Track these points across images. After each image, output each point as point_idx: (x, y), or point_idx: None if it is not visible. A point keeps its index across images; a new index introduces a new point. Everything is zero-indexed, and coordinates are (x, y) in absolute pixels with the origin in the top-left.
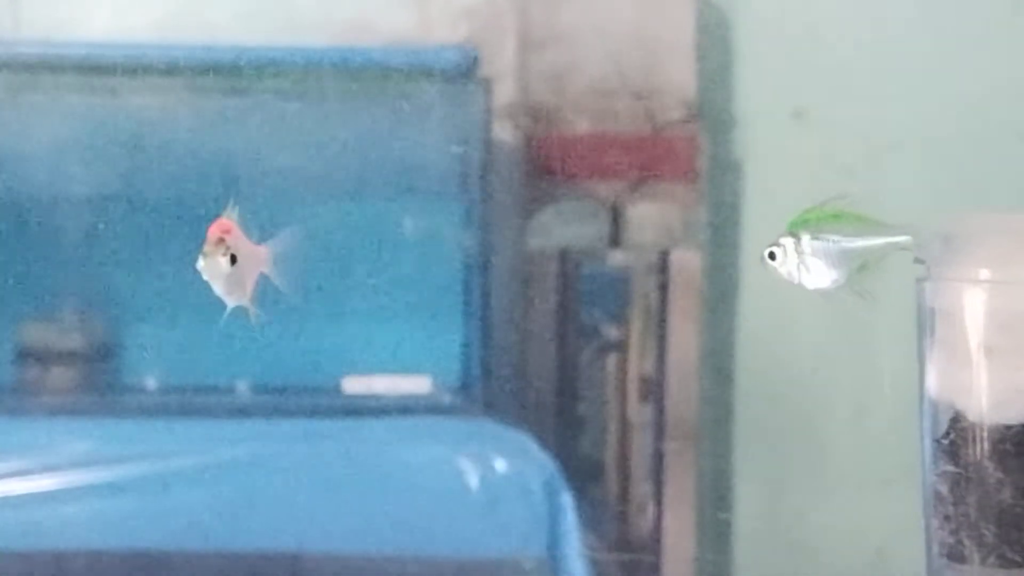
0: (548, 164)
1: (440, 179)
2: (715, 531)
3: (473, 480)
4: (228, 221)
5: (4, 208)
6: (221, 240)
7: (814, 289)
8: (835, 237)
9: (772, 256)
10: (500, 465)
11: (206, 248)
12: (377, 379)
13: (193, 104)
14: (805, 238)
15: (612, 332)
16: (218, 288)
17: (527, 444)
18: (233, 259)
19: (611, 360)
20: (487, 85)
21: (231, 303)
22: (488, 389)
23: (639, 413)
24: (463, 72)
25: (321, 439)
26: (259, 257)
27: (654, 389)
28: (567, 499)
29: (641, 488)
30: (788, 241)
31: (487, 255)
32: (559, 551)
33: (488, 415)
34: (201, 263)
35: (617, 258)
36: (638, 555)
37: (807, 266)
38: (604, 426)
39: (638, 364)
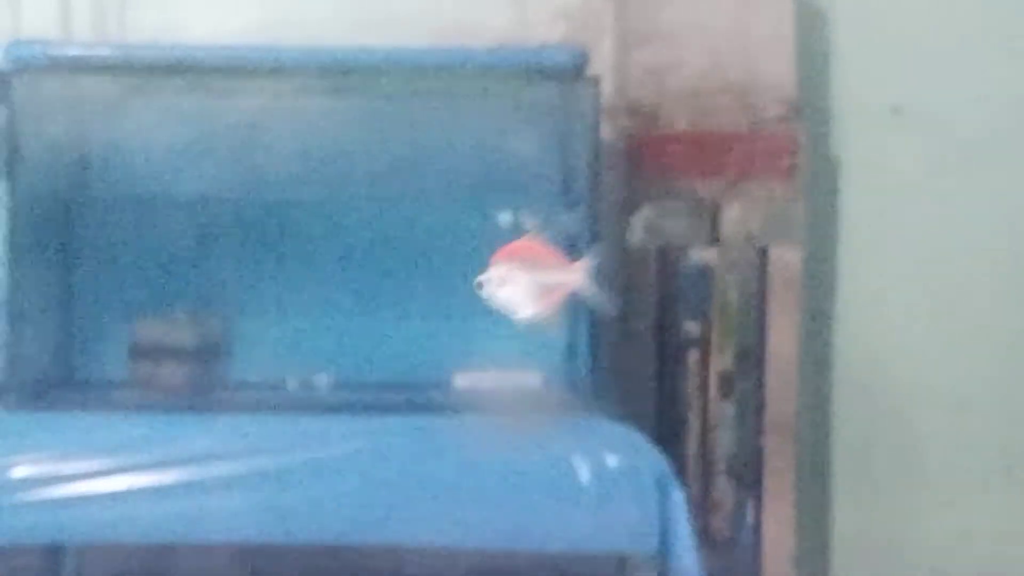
0: (647, 162)
1: (549, 177)
2: (814, 526)
3: (586, 476)
4: (531, 241)
5: (118, 209)
6: (511, 256)
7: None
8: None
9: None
10: (612, 461)
11: (498, 261)
12: (488, 375)
13: (301, 105)
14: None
15: (710, 328)
16: (506, 301)
17: (638, 440)
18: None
19: (709, 356)
20: (596, 84)
21: (523, 315)
22: (595, 385)
23: (738, 408)
24: (573, 71)
25: (433, 435)
26: (570, 273)
27: (754, 385)
28: (678, 495)
29: (741, 483)
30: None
31: (605, 250)
32: (670, 546)
33: (598, 411)
34: (490, 275)
35: (716, 255)
36: (738, 550)
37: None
38: (703, 421)
39: (736, 360)
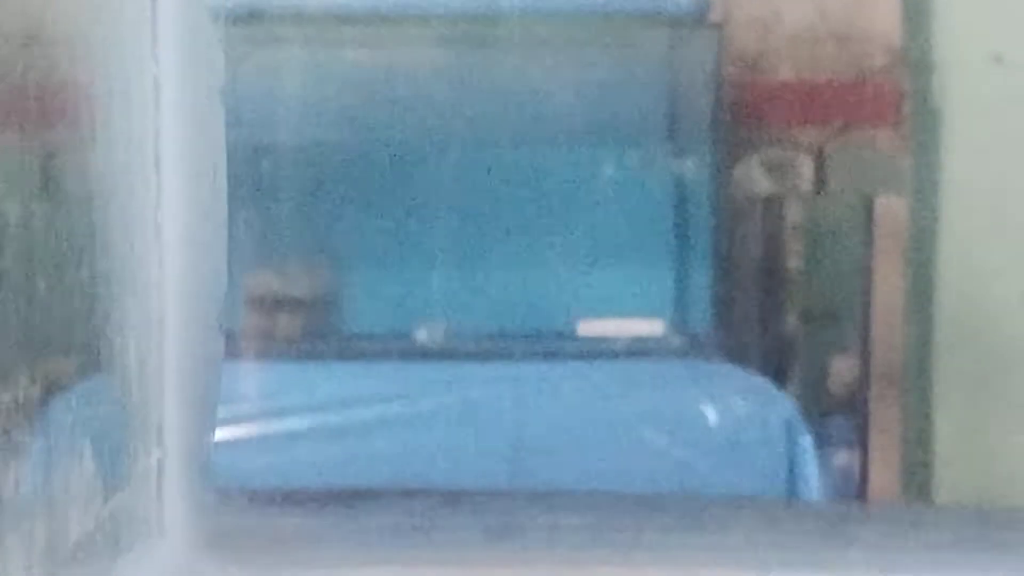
0: (752, 112)
1: (667, 126)
2: (919, 474)
3: (715, 421)
4: None
5: (232, 158)
6: None
7: None
8: None
9: None
10: (741, 406)
11: None
12: (611, 322)
13: (415, 53)
14: None
15: (818, 278)
16: None
17: (766, 386)
18: None
19: (817, 304)
20: (718, 30)
21: None
22: (717, 332)
23: (844, 357)
24: (695, 18)
25: (560, 381)
26: None
27: (860, 333)
28: (807, 441)
29: (848, 431)
30: None
31: (713, 200)
32: (798, 492)
33: (720, 357)
34: None
35: (822, 204)
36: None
37: None
38: (816, 370)
39: (842, 308)
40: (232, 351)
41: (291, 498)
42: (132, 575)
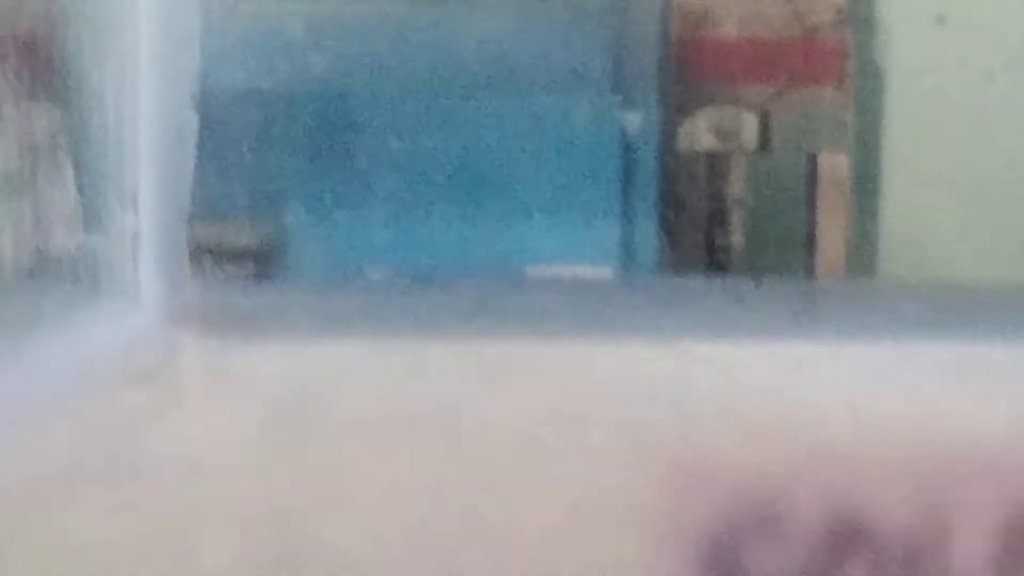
0: (697, 67)
1: (610, 79)
2: None
3: None
4: None
5: None
6: None
7: None
8: None
9: None
10: None
11: None
12: (559, 268)
13: (366, 2)
14: None
15: (762, 231)
16: None
17: None
18: None
19: (761, 256)
20: None
21: None
22: (658, 280)
23: None
24: None
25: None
26: None
27: (804, 284)
28: None
29: None
30: None
31: (659, 154)
32: None
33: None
34: None
35: (766, 160)
36: None
37: None
38: None
39: (786, 261)
40: None
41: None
42: (108, 339)
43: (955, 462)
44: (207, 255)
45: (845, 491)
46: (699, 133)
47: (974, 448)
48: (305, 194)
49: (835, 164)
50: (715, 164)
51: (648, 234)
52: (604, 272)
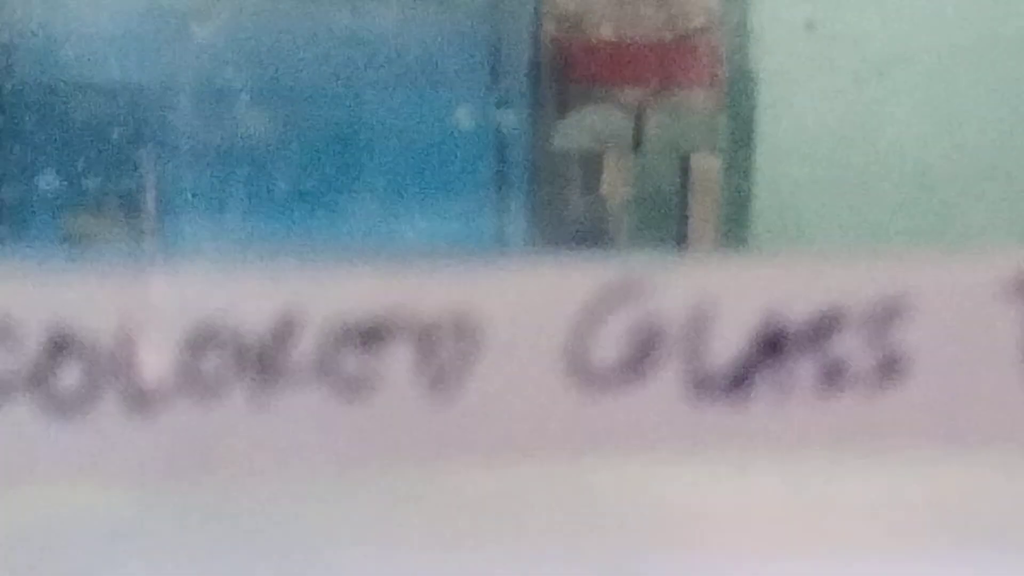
0: (573, 69)
1: (486, 77)
2: None
3: None
4: None
5: (46, 96)
6: None
7: None
8: None
9: None
10: None
11: None
12: None
13: None
14: None
15: (636, 230)
16: None
17: None
18: None
19: (636, 255)
20: None
21: None
22: None
23: None
24: None
25: None
26: None
27: None
28: None
29: None
30: None
31: (534, 154)
32: None
33: None
34: None
35: (640, 161)
36: None
37: None
38: None
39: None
40: None
41: None
42: None
43: None
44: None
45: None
46: (574, 133)
47: None
48: (180, 186)
49: (707, 165)
50: (589, 164)
51: (521, 233)
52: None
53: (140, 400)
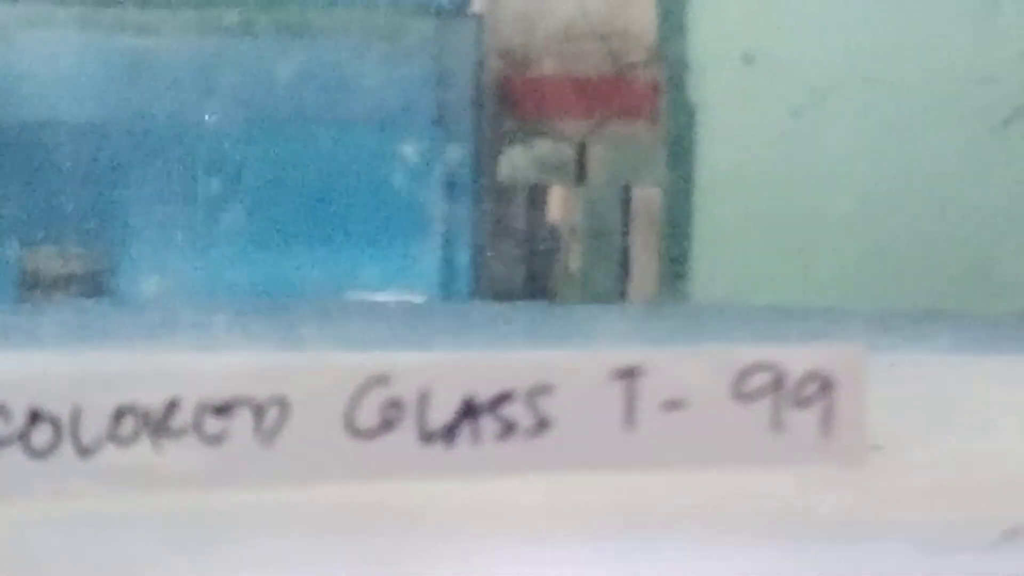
0: (517, 104)
1: (431, 113)
2: None
3: None
4: None
5: (7, 136)
6: None
7: None
8: None
9: None
10: None
11: None
12: (379, 296)
13: (185, 36)
14: None
15: (578, 262)
16: None
17: None
18: None
19: (575, 285)
20: (478, 21)
21: None
22: (476, 306)
23: None
24: (457, 8)
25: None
26: None
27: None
28: None
29: None
30: None
31: (479, 186)
32: None
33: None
34: None
35: (583, 193)
36: None
37: None
38: None
39: (601, 290)
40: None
41: None
42: None
43: None
44: (36, 284)
45: None
46: (519, 166)
47: None
48: (131, 222)
49: (648, 196)
50: (534, 195)
51: (466, 264)
52: (421, 299)
53: (84, 450)
